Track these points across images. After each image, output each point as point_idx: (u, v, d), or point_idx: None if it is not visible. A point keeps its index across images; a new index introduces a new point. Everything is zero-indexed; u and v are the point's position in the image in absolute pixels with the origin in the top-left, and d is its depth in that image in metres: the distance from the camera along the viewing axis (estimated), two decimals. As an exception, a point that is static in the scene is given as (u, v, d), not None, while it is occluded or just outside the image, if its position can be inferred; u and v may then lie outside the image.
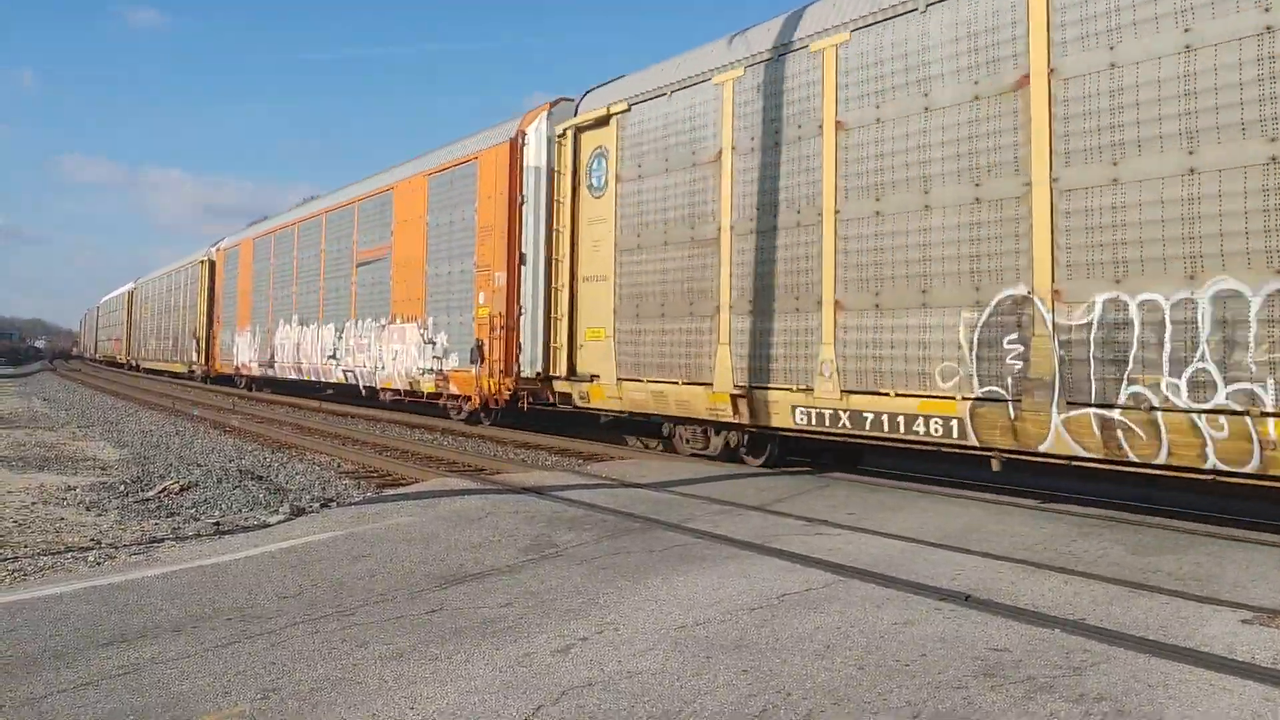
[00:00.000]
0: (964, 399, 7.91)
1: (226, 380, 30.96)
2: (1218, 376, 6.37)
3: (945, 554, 6.08)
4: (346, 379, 19.44)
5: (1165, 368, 6.63)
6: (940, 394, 8.12)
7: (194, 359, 33.85)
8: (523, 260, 13.83)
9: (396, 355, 17.71)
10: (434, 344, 16.25)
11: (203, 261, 33.62)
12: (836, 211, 9.10)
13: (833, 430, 9.08)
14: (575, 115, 12.83)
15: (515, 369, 13.80)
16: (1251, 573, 5.58)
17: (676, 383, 10.90)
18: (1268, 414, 6.11)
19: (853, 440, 9.27)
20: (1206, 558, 5.98)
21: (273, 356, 24.90)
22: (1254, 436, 6.16)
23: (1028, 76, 7.60)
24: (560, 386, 12.83)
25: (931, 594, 5.06)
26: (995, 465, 7.92)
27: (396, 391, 17.96)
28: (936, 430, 8.14)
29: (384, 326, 18.31)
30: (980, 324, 7.84)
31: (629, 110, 11.77)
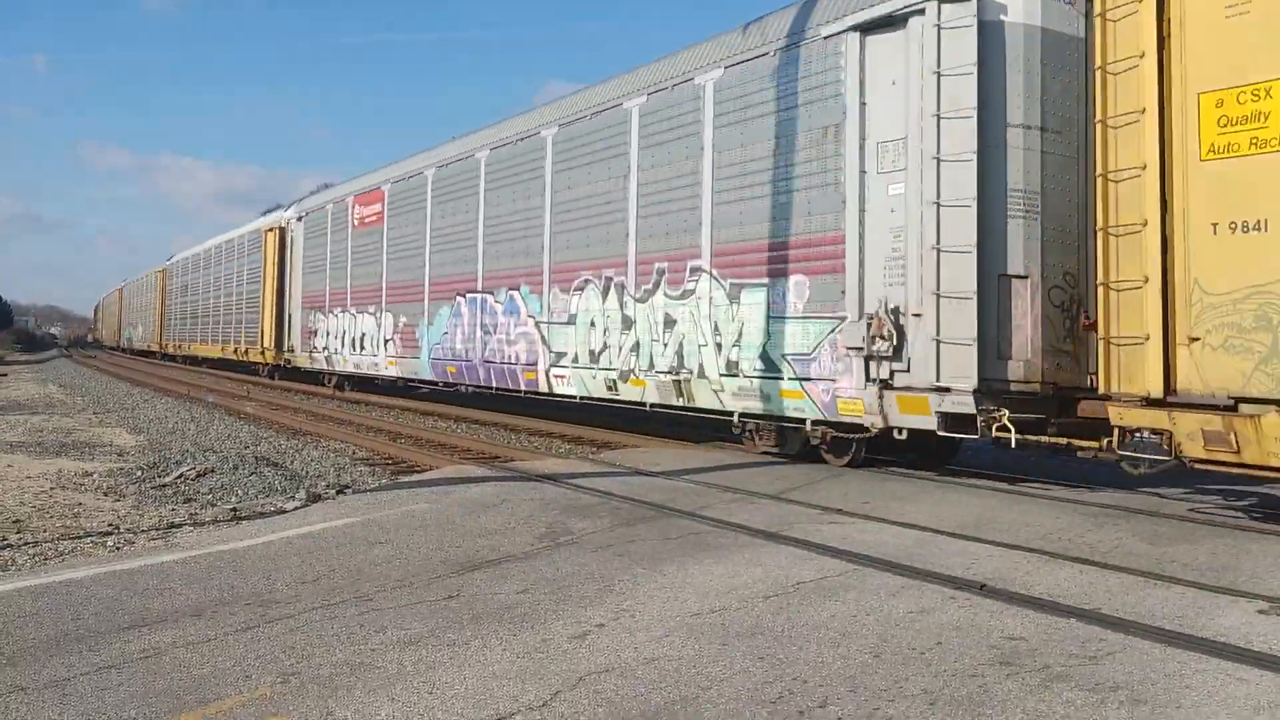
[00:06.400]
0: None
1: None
2: None
3: (959, 543, 6.08)
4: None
5: None
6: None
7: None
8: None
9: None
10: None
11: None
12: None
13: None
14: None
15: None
16: (1269, 563, 5.56)
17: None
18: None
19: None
20: (1223, 549, 5.96)
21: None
22: None
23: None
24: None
25: (946, 583, 5.07)
26: None
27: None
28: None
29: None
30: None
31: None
